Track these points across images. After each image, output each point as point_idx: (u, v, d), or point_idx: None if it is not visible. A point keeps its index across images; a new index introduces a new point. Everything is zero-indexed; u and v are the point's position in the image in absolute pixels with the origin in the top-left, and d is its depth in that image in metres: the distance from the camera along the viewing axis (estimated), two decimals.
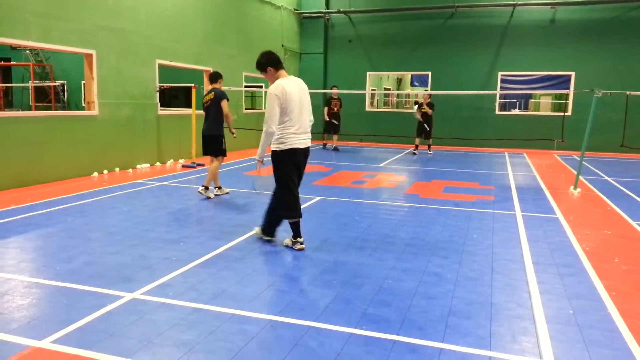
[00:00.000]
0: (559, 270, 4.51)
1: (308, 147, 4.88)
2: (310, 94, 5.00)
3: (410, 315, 3.49)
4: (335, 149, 15.05)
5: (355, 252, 4.94)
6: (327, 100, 15.16)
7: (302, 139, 4.78)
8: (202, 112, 7.62)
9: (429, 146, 14.81)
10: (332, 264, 4.58)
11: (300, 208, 5.00)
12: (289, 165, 4.79)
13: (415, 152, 14.63)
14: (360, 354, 2.95)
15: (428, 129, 14.27)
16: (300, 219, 5.00)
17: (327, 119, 14.89)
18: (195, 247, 4.99)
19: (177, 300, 3.68)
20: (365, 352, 2.96)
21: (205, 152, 7.49)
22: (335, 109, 14.87)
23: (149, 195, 7.61)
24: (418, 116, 14.21)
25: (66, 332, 3.15)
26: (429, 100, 14.45)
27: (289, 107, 4.66)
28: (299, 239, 4.99)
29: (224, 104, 7.29)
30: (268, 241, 5.22)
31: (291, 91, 4.68)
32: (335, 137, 15.19)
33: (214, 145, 7.35)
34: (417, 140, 14.62)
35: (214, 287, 3.98)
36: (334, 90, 14.86)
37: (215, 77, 7.53)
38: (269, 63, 4.83)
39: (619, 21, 15.33)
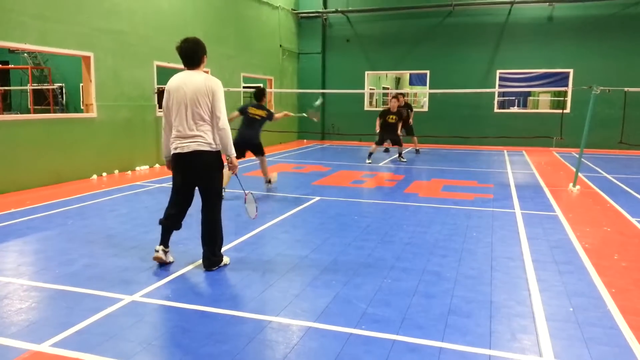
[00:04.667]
0: (558, 268, 4.51)
1: (193, 152, 4.19)
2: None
3: (410, 315, 3.49)
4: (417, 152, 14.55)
5: (355, 252, 4.94)
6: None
7: (183, 143, 4.20)
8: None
9: (400, 154, 12.44)
10: (331, 263, 4.57)
11: (171, 219, 4.44)
12: (176, 170, 4.37)
13: (369, 160, 12.01)
14: (360, 353, 2.95)
15: (388, 138, 11.88)
16: (171, 230, 4.48)
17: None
18: (194, 249, 4.96)
19: (177, 303, 3.68)
20: (364, 352, 2.96)
21: (252, 153, 8.40)
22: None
23: (148, 198, 7.60)
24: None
25: (65, 335, 3.15)
26: (399, 104, 11.97)
27: (169, 105, 4.27)
28: (156, 247, 4.46)
29: (274, 119, 8.27)
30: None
31: (174, 88, 4.25)
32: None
33: (260, 148, 8.29)
34: (374, 147, 12.11)
35: (213, 289, 3.98)
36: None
37: (261, 94, 8.18)
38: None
39: (617, 18, 15.34)
